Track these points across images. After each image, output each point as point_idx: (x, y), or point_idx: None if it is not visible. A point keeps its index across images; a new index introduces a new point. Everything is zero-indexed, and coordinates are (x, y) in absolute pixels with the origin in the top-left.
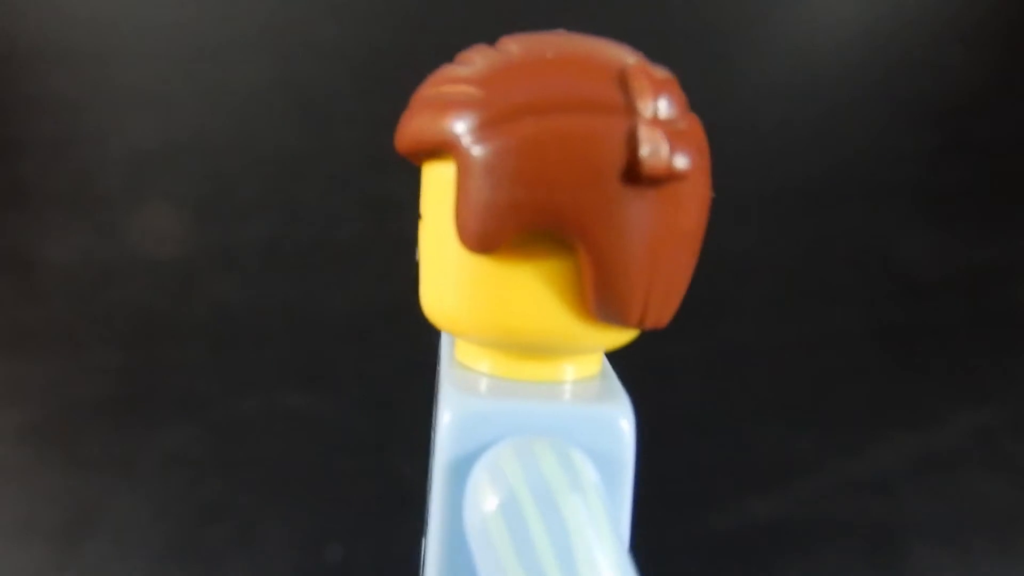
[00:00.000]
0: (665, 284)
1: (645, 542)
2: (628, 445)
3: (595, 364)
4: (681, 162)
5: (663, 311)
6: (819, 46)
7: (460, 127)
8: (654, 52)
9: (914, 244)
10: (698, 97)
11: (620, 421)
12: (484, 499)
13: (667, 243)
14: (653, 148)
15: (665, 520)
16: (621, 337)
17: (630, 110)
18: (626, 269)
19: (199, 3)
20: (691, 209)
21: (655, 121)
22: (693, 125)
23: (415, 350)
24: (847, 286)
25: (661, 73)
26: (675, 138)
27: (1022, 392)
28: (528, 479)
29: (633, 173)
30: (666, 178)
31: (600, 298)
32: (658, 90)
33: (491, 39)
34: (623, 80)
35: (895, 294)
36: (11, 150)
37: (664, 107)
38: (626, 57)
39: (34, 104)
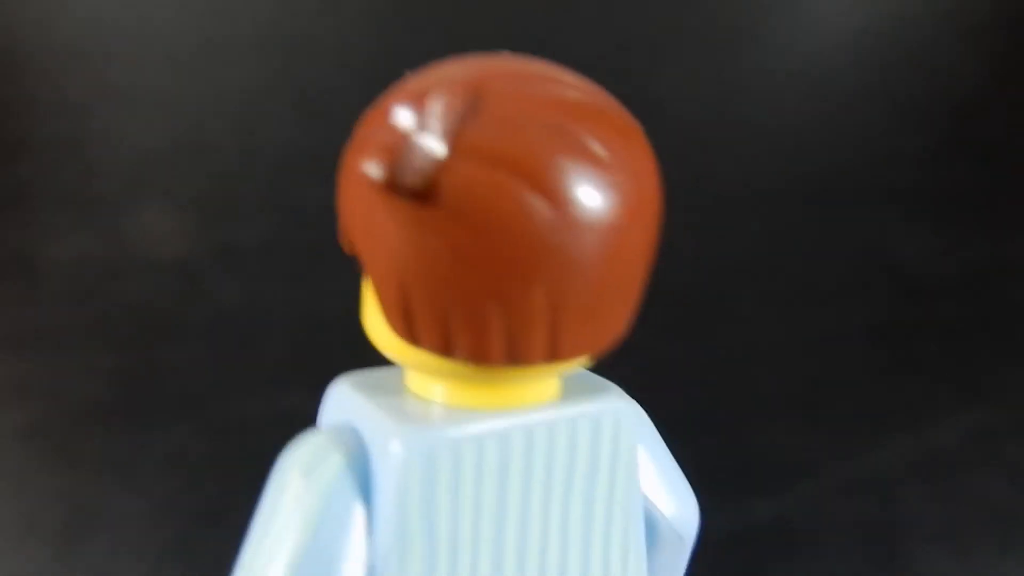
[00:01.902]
0: (466, 310)
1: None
2: (394, 468)
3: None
4: (378, 171)
5: (477, 340)
6: (819, 47)
7: None
8: (655, 53)
9: (914, 244)
10: (699, 97)
11: (391, 443)
12: None
13: (457, 265)
14: (369, 155)
15: None
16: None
17: (412, 130)
18: (400, 288)
19: (200, 4)
20: (491, 231)
21: (402, 132)
22: (617, 159)
23: None
24: (847, 286)
25: (453, 90)
26: (412, 152)
27: (1022, 392)
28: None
29: (390, 188)
30: (391, 190)
31: (387, 318)
32: (415, 103)
33: (490, 38)
34: (422, 101)
35: (895, 294)
36: (11, 150)
37: (412, 119)
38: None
39: (35, 104)
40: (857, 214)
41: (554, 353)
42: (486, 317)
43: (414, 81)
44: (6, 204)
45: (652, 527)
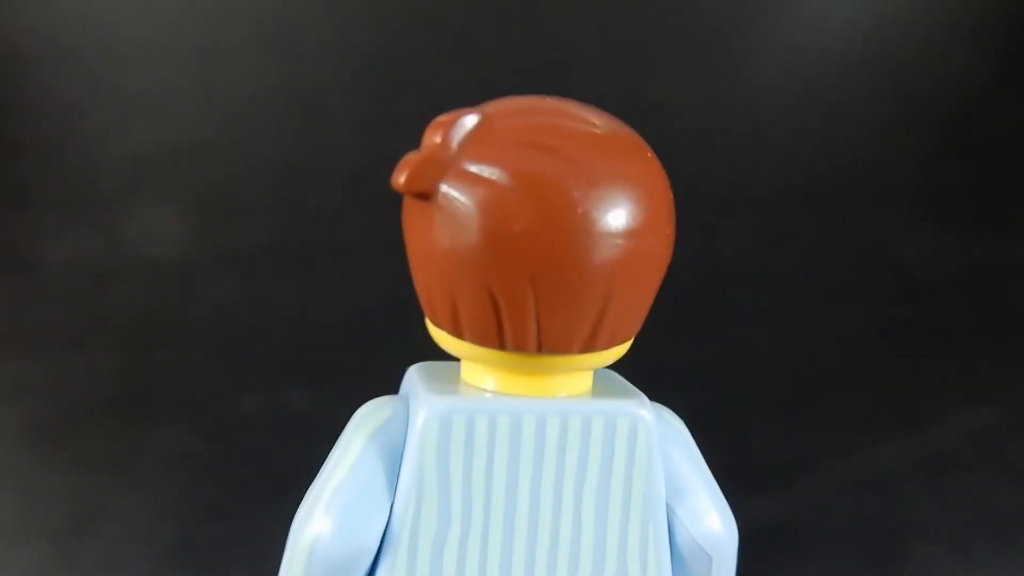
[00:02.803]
0: (465, 297)
1: None
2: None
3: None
4: (412, 181)
5: (476, 325)
6: (819, 46)
7: None
8: (655, 54)
9: (914, 244)
10: (698, 97)
11: (419, 407)
12: None
13: (457, 257)
14: (398, 168)
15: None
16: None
17: (428, 147)
18: (423, 278)
19: (199, 3)
20: (439, 227)
21: (422, 150)
22: (586, 173)
23: (415, 350)
24: (847, 286)
25: (464, 117)
26: (424, 163)
27: (1022, 392)
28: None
29: (405, 190)
30: (406, 192)
31: (421, 304)
32: (436, 128)
33: (490, 38)
34: (441, 126)
35: (895, 294)
36: (11, 150)
37: (432, 140)
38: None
39: (34, 104)
40: (857, 214)
41: (542, 344)
42: (481, 305)
43: (448, 113)
44: (5, 204)
45: (674, 541)
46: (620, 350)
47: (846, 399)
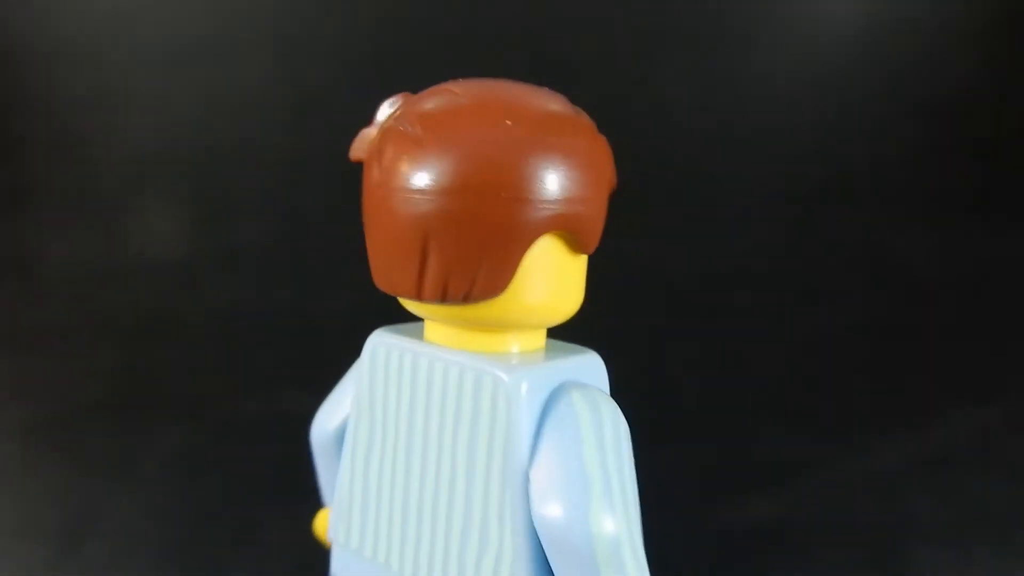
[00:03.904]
0: (386, 254)
1: (644, 542)
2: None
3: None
4: (355, 150)
5: (396, 278)
6: (820, 47)
7: None
8: (656, 54)
9: (914, 244)
10: (698, 98)
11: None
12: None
13: (380, 217)
14: (357, 143)
15: (665, 520)
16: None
17: (373, 123)
18: (368, 241)
19: (200, 4)
20: (370, 191)
21: (378, 125)
22: (430, 138)
23: None
24: (847, 286)
25: (425, 98)
26: (386, 136)
27: (1022, 392)
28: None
29: (351, 158)
30: (352, 159)
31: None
32: (395, 105)
33: (490, 38)
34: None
35: (895, 294)
36: (11, 150)
37: (383, 115)
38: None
39: (34, 104)
40: (857, 214)
41: (382, 285)
42: (397, 260)
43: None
44: (6, 204)
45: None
46: (503, 310)
47: (846, 399)
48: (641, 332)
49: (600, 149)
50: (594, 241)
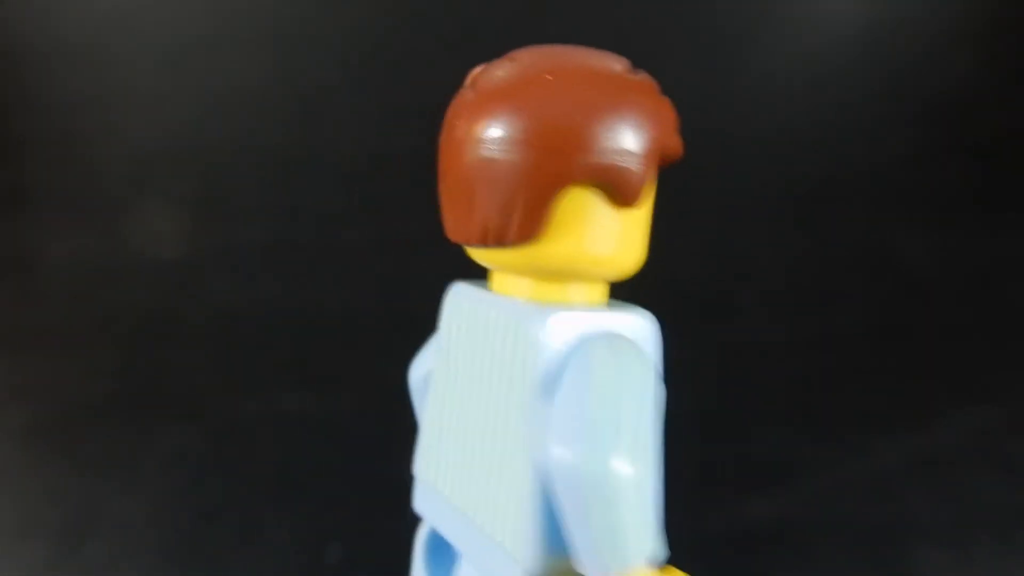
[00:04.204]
0: (440, 203)
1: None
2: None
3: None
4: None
5: (447, 225)
6: (819, 46)
7: None
8: (656, 53)
9: (914, 244)
10: (698, 97)
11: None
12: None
13: (438, 171)
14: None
15: (665, 520)
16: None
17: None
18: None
19: (199, 3)
20: (439, 149)
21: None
22: (480, 98)
23: (415, 350)
24: (847, 286)
25: (490, 65)
26: (452, 101)
27: (1022, 392)
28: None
29: None
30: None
31: None
32: (471, 73)
33: (490, 38)
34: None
35: (895, 294)
36: (11, 150)
37: (469, 82)
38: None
39: (34, 104)
40: (857, 214)
41: (448, 233)
42: (452, 208)
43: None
44: (6, 204)
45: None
46: (543, 256)
47: (846, 399)
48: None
49: (644, 107)
50: (632, 197)
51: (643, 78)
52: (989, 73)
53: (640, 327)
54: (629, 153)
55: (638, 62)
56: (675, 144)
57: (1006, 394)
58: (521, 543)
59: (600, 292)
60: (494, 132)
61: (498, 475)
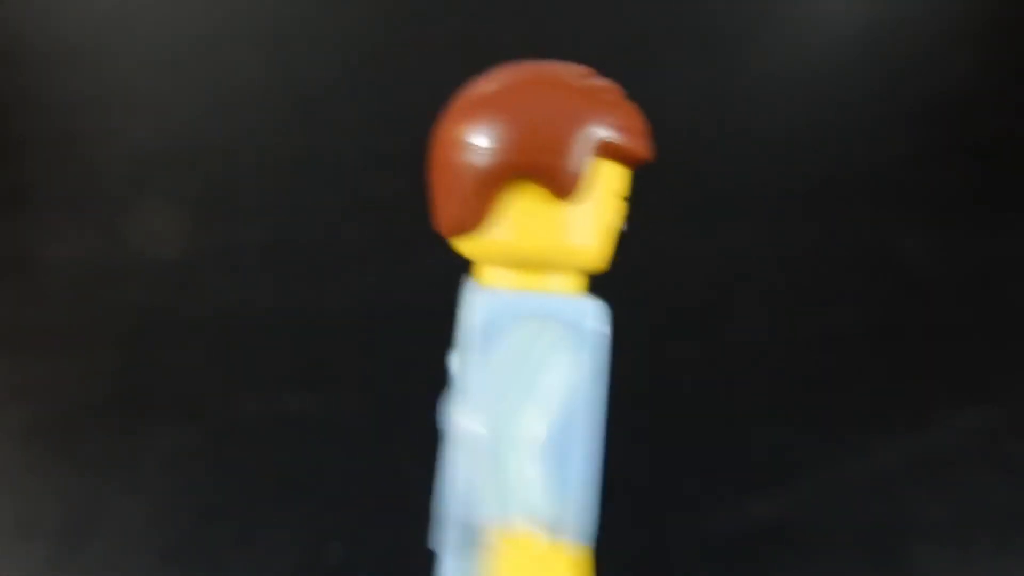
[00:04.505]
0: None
1: (644, 542)
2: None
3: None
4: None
5: (433, 218)
6: (819, 46)
7: None
8: (656, 52)
9: (914, 244)
10: (698, 97)
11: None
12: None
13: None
14: None
15: (665, 520)
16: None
17: None
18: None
19: (199, 3)
20: (433, 144)
21: None
22: (450, 107)
23: (415, 350)
24: (847, 286)
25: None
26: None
27: (1022, 392)
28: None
29: None
30: None
31: None
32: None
33: (491, 38)
34: None
35: (895, 294)
36: (11, 150)
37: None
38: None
39: (34, 104)
40: (857, 214)
41: (434, 226)
42: (435, 199)
43: None
44: (6, 204)
45: None
46: (488, 249)
47: (846, 399)
48: (641, 332)
49: (584, 108)
50: (566, 190)
51: (600, 84)
52: (989, 73)
53: (583, 310)
54: (561, 149)
55: (638, 62)
56: (634, 145)
57: (1006, 394)
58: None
59: (575, 284)
60: (454, 135)
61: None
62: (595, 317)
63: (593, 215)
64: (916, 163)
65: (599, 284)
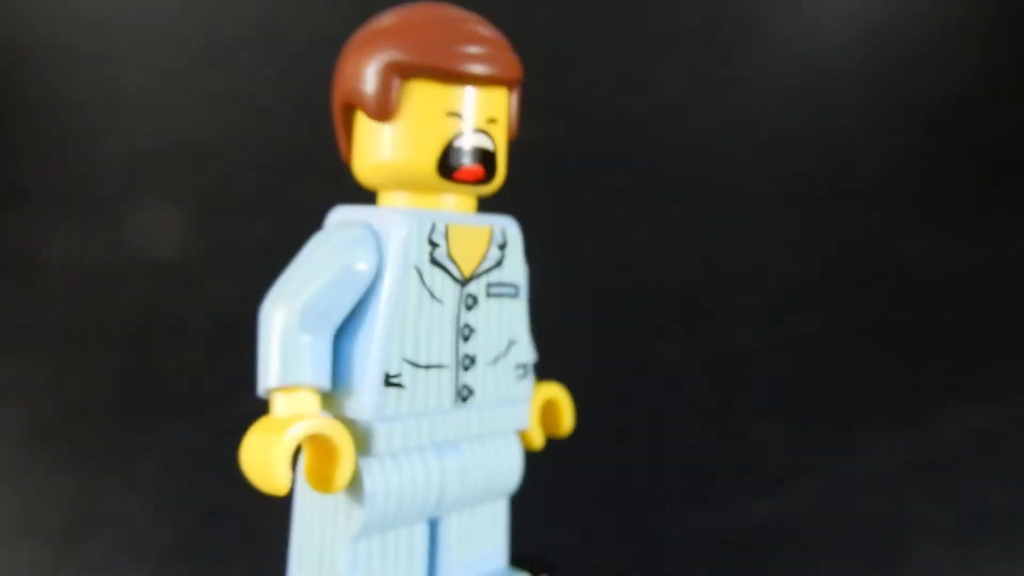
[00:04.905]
0: None
1: (645, 542)
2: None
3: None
4: None
5: None
6: (819, 47)
7: None
8: (655, 52)
9: (914, 244)
10: (698, 97)
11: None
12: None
13: None
14: None
15: (665, 520)
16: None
17: None
18: None
19: (199, 3)
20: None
21: None
22: None
23: None
24: (847, 286)
25: None
26: None
27: (1022, 392)
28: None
29: None
30: None
31: None
32: None
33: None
34: None
35: (895, 294)
36: (11, 150)
37: None
38: None
39: (34, 104)
40: (857, 214)
41: None
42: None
43: None
44: (5, 204)
45: None
46: (362, 171)
47: (846, 399)
48: (641, 332)
49: (394, 33)
50: (374, 111)
51: (436, 13)
52: (989, 73)
53: (387, 221)
54: (361, 76)
55: (639, 64)
56: (435, 60)
57: (1006, 394)
58: None
59: (467, 204)
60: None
61: None
62: (402, 227)
63: (410, 131)
64: (916, 163)
65: (599, 282)
